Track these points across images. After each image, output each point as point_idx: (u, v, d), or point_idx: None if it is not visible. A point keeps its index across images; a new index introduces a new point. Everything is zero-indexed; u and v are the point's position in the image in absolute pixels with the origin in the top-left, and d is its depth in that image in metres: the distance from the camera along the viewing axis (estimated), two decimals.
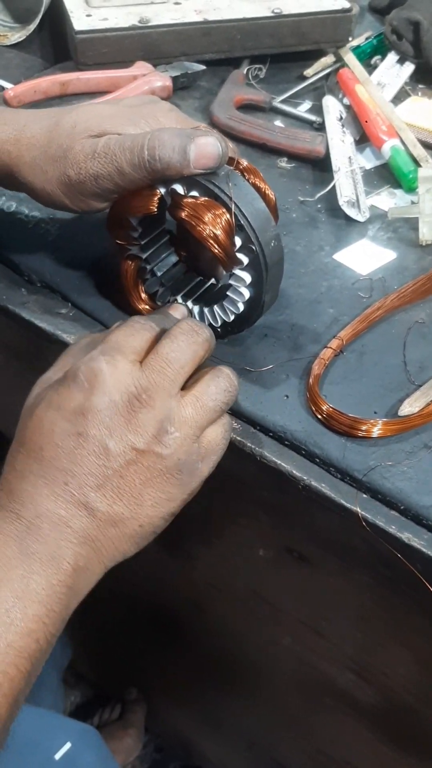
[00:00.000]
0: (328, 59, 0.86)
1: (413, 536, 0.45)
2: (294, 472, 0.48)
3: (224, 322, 0.52)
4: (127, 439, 0.41)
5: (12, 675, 0.38)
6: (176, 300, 0.54)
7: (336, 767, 0.86)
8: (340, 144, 0.72)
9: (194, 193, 0.47)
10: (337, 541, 0.53)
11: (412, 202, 0.69)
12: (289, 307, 0.58)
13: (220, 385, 0.44)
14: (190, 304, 0.54)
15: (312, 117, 0.78)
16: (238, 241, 0.47)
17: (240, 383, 0.46)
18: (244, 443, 0.49)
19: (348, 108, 0.77)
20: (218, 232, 0.46)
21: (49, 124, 0.50)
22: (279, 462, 0.49)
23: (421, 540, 0.45)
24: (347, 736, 0.77)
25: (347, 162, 0.70)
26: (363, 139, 0.75)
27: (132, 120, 0.49)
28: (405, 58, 0.84)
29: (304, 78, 0.84)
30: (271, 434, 0.50)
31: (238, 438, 0.50)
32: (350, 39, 0.86)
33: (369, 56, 0.86)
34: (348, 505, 0.46)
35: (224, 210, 0.46)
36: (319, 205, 0.68)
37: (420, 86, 0.83)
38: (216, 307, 0.52)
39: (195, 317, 0.54)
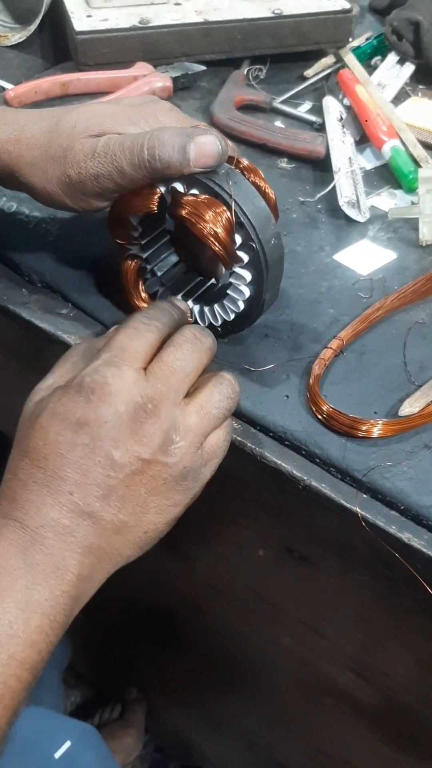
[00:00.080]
0: (329, 60, 0.86)
1: (413, 536, 0.45)
2: (294, 472, 0.48)
3: (225, 321, 0.52)
4: (132, 449, 0.41)
5: (13, 686, 0.38)
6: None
7: (336, 767, 0.86)
8: (340, 144, 0.72)
9: (194, 191, 0.47)
10: (337, 541, 0.53)
11: (413, 203, 0.69)
12: (290, 307, 0.58)
13: (223, 392, 0.44)
14: (190, 303, 0.54)
15: (312, 117, 0.78)
16: (238, 239, 0.47)
17: (241, 386, 0.46)
18: (245, 443, 0.49)
19: (348, 108, 0.77)
20: (219, 230, 0.46)
21: (49, 124, 0.50)
22: (279, 462, 0.49)
23: (421, 540, 0.45)
24: (347, 736, 0.77)
25: (347, 162, 0.70)
26: (363, 140, 0.75)
27: (132, 119, 0.49)
28: (405, 58, 0.84)
29: (305, 78, 0.84)
30: (271, 434, 0.50)
31: (239, 438, 0.50)
32: (350, 39, 0.86)
33: (369, 57, 0.86)
34: (348, 505, 0.46)
35: (224, 208, 0.46)
36: (319, 206, 0.68)
37: (420, 87, 0.83)
38: (216, 306, 0.52)
39: (195, 317, 0.54)
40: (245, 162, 0.50)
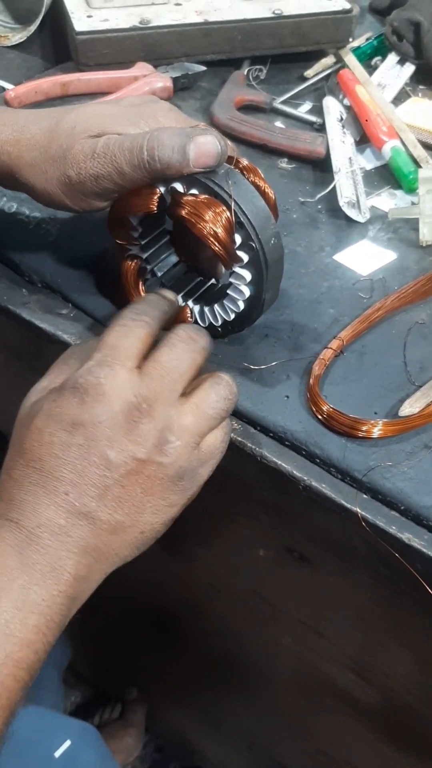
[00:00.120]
0: (329, 60, 0.86)
1: (413, 536, 0.45)
2: (294, 472, 0.48)
3: (225, 321, 0.52)
4: (128, 449, 0.41)
5: (10, 686, 0.38)
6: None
7: (336, 767, 0.86)
8: (340, 145, 0.72)
9: (194, 191, 0.47)
10: (338, 541, 0.53)
11: (413, 203, 0.69)
12: (290, 307, 0.58)
13: (220, 393, 0.44)
14: (190, 303, 0.54)
15: (312, 118, 0.78)
16: (238, 239, 0.47)
17: (239, 388, 0.46)
18: (245, 443, 0.49)
19: (348, 109, 0.77)
20: (218, 230, 0.46)
21: (49, 124, 0.50)
22: (279, 462, 0.49)
23: (422, 540, 0.45)
24: (347, 736, 0.77)
25: (348, 163, 0.71)
26: (363, 140, 0.75)
27: (132, 120, 0.49)
28: (405, 58, 0.84)
29: (305, 79, 0.84)
30: (271, 434, 0.50)
31: (239, 438, 0.50)
32: (351, 40, 0.86)
33: (369, 57, 0.86)
34: (348, 506, 0.46)
35: (224, 207, 0.46)
36: (319, 206, 0.68)
37: (420, 87, 0.83)
38: (216, 306, 0.52)
39: (195, 317, 0.54)
40: (245, 162, 0.50)
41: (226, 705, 0.99)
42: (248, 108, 0.79)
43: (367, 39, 0.87)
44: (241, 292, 0.50)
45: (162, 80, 0.79)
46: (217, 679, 0.94)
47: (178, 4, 0.84)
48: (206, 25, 0.81)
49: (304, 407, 0.50)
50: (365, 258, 0.63)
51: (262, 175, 0.51)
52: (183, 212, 0.47)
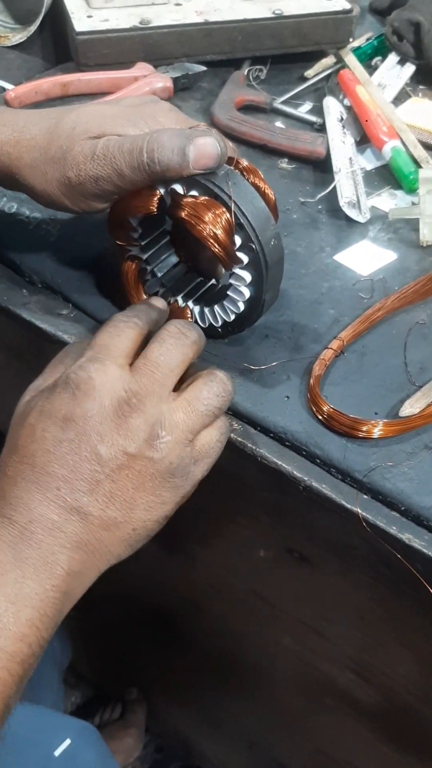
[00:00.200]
0: (329, 60, 0.86)
1: (414, 537, 0.45)
2: (295, 472, 0.48)
3: (225, 322, 0.52)
4: (118, 444, 0.41)
5: (4, 679, 0.38)
6: (176, 301, 0.54)
7: (336, 767, 0.86)
8: (340, 145, 0.72)
9: (194, 192, 0.47)
10: (338, 541, 0.53)
11: (413, 203, 0.69)
12: (290, 307, 0.58)
13: (213, 389, 0.44)
14: (190, 304, 0.54)
15: (313, 118, 0.78)
16: (238, 240, 0.47)
17: (235, 387, 0.46)
18: (245, 444, 0.49)
19: (349, 109, 0.77)
20: (218, 231, 0.46)
21: (49, 125, 0.50)
22: (279, 463, 0.49)
23: (422, 541, 0.45)
24: (347, 736, 0.77)
25: (348, 163, 0.71)
26: (363, 140, 0.75)
27: (132, 120, 0.49)
28: (406, 59, 0.84)
29: (305, 79, 0.84)
30: (271, 435, 0.50)
31: (239, 439, 0.50)
32: (351, 40, 0.86)
33: (370, 57, 0.86)
34: (349, 506, 0.46)
35: (224, 209, 0.46)
36: (319, 206, 0.68)
37: (421, 87, 0.83)
38: (216, 307, 0.52)
39: (195, 317, 0.54)
40: (244, 163, 0.50)
41: (226, 705, 0.99)
42: (248, 108, 0.79)
43: (368, 39, 0.87)
44: (241, 293, 0.50)
45: (162, 80, 0.79)
46: (217, 679, 0.94)
47: (178, 5, 0.84)
48: (206, 26, 0.81)
49: (305, 408, 0.50)
50: (365, 258, 0.63)
51: (262, 176, 0.51)
52: (183, 214, 0.47)
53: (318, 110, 0.79)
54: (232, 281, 0.50)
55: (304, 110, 0.80)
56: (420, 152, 0.71)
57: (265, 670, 0.83)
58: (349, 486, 0.48)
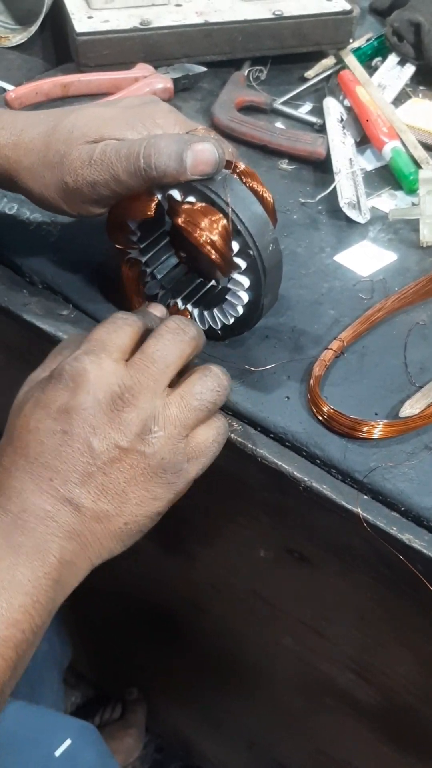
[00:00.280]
0: (329, 61, 0.86)
1: (414, 537, 0.45)
2: (295, 473, 0.48)
3: (224, 325, 0.52)
4: (110, 437, 0.42)
5: None
6: (176, 303, 0.54)
7: (336, 767, 0.86)
8: (340, 146, 0.73)
9: (191, 198, 0.47)
10: (338, 541, 0.53)
11: (413, 204, 0.69)
12: (290, 308, 0.58)
13: (207, 384, 0.44)
14: (190, 307, 0.54)
15: (313, 119, 0.78)
16: (235, 246, 0.47)
17: (231, 382, 0.46)
18: (245, 444, 0.50)
19: (349, 110, 0.78)
20: (215, 238, 0.46)
21: (47, 128, 0.50)
22: (280, 463, 0.49)
23: (422, 541, 0.45)
24: (347, 736, 0.77)
25: (348, 163, 0.71)
26: (364, 141, 0.75)
27: (130, 123, 0.49)
28: (406, 59, 0.84)
29: (305, 80, 0.84)
30: (272, 435, 0.50)
31: (239, 439, 0.50)
32: (351, 40, 0.87)
33: (370, 58, 0.86)
34: (349, 507, 0.46)
35: (221, 215, 0.46)
36: (320, 207, 0.68)
37: (421, 88, 0.84)
38: (216, 311, 0.52)
39: (195, 320, 0.54)
40: (242, 166, 0.50)
41: (226, 705, 0.99)
42: (249, 109, 0.80)
43: (368, 40, 0.87)
44: (239, 297, 0.50)
45: (162, 81, 0.79)
46: (217, 679, 0.94)
47: (178, 5, 0.84)
48: (207, 26, 0.81)
49: (305, 408, 0.51)
50: (366, 259, 0.63)
51: (260, 179, 0.50)
52: (180, 220, 0.47)
53: (318, 111, 0.80)
54: (230, 286, 0.50)
55: (304, 111, 0.80)
56: (420, 153, 0.71)
57: (265, 670, 0.83)
58: (349, 486, 0.48)
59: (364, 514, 0.46)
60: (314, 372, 0.52)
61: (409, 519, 0.46)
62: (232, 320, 0.51)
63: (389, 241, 0.65)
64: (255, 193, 0.48)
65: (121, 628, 1.09)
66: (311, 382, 0.51)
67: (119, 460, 0.42)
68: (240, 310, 0.50)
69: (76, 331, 0.56)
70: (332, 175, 0.69)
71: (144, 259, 0.53)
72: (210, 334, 0.53)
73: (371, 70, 0.84)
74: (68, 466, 0.41)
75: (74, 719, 0.82)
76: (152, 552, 0.76)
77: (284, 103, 0.81)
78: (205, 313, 0.53)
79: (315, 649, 0.69)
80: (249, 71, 0.84)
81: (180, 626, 0.93)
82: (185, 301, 0.54)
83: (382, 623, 0.59)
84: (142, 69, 0.80)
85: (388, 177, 0.72)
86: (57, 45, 0.88)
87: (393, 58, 0.84)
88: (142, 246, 0.52)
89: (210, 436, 0.45)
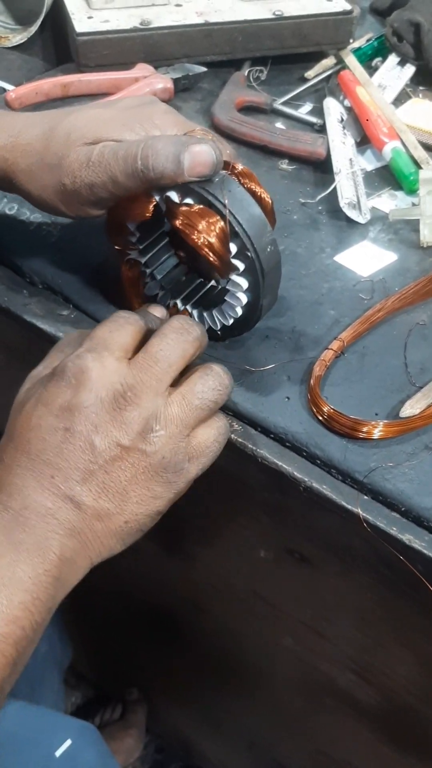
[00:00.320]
0: (329, 61, 0.86)
1: (414, 538, 0.45)
2: (295, 473, 0.48)
3: (224, 326, 0.52)
4: (112, 435, 0.42)
5: None
6: (176, 304, 0.54)
7: (336, 767, 0.86)
8: (341, 146, 0.73)
9: (189, 200, 0.47)
10: (338, 542, 0.53)
11: (413, 204, 0.69)
12: (291, 308, 0.58)
13: (208, 383, 0.44)
14: (189, 308, 0.54)
15: (313, 119, 0.78)
16: (233, 248, 0.47)
17: (233, 382, 0.46)
18: (245, 445, 0.50)
19: (349, 110, 0.78)
20: (213, 240, 0.46)
21: (45, 130, 0.50)
22: (280, 463, 0.49)
23: (422, 541, 0.45)
24: (347, 736, 0.77)
25: (348, 164, 0.71)
26: (364, 141, 0.75)
27: (128, 124, 0.49)
28: (406, 59, 0.84)
29: (305, 80, 0.84)
30: (272, 436, 0.50)
31: (239, 439, 0.50)
32: (351, 41, 0.87)
33: (370, 58, 0.86)
34: (349, 507, 0.46)
35: (218, 218, 0.46)
36: (320, 207, 0.68)
37: (421, 88, 0.84)
38: (215, 312, 0.52)
39: (195, 320, 0.54)
40: (240, 167, 0.50)
41: (226, 705, 0.99)
42: (249, 109, 0.80)
43: (368, 40, 0.87)
44: (238, 299, 0.50)
45: (162, 81, 0.79)
46: (217, 679, 0.94)
47: (178, 5, 0.84)
48: (207, 26, 0.81)
49: (305, 408, 0.51)
50: (366, 259, 0.63)
51: (259, 180, 0.50)
52: (177, 223, 0.47)
53: (318, 111, 0.80)
54: (229, 287, 0.50)
55: (304, 111, 0.80)
56: (420, 153, 0.71)
57: (265, 670, 0.83)
58: (349, 487, 0.48)
59: (365, 515, 0.46)
60: (314, 372, 0.52)
61: (409, 519, 0.46)
62: (231, 321, 0.51)
63: (389, 241, 0.65)
64: (253, 194, 0.48)
65: (121, 628, 1.09)
66: (311, 382, 0.51)
67: (120, 459, 0.42)
68: (239, 311, 0.50)
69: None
70: (332, 175, 0.69)
71: (143, 260, 0.53)
72: (209, 334, 0.53)
73: (371, 70, 0.84)
74: (70, 464, 0.41)
75: (74, 719, 0.82)
76: (152, 552, 0.76)
77: (284, 103, 0.81)
78: (205, 314, 0.53)
79: (315, 650, 0.69)
80: (249, 71, 0.84)
81: (180, 626, 0.93)
82: (185, 301, 0.54)
83: (383, 623, 0.59)
84: (142, 69, 0.80)
85: (388, 177, 0.72)
86: (57, 45, 0.88)
87: (393, 59, 0.84)
88: (141, 247, 0.52)
89: (211, 436, 0.45)
